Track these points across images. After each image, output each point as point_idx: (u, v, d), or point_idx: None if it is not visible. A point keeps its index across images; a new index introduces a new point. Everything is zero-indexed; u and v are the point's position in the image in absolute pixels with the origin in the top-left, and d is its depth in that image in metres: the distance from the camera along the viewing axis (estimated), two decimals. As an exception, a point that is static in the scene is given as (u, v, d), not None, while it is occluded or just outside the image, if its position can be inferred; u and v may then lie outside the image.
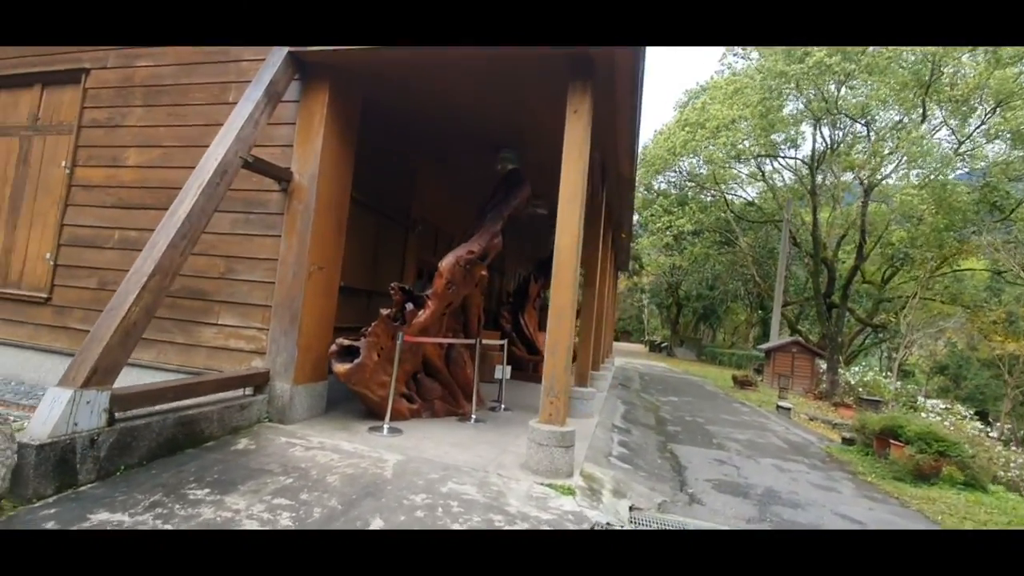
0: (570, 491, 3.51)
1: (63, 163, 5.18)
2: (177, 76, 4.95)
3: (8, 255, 5.32)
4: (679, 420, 8.15)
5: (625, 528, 3.24)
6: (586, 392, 6.22)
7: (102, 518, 2.56)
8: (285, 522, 2.66)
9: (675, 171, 22.61)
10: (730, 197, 24.89)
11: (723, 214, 23.13)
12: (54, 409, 2.82)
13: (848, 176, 19.90)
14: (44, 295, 5.08)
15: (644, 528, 3.46)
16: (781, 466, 5.82)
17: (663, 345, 30.39)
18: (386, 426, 4.42)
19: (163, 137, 4.92)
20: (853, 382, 15.52)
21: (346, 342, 4.29)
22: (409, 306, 4.60)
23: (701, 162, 22.26)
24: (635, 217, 28.27)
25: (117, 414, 3.14)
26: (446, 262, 4.69)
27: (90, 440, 2.93)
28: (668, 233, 21.69)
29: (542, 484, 3.55)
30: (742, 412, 9.79)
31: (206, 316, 4.62)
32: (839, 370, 16.61)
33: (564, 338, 3.81)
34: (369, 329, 4.48)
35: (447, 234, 8.11)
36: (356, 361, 4.25)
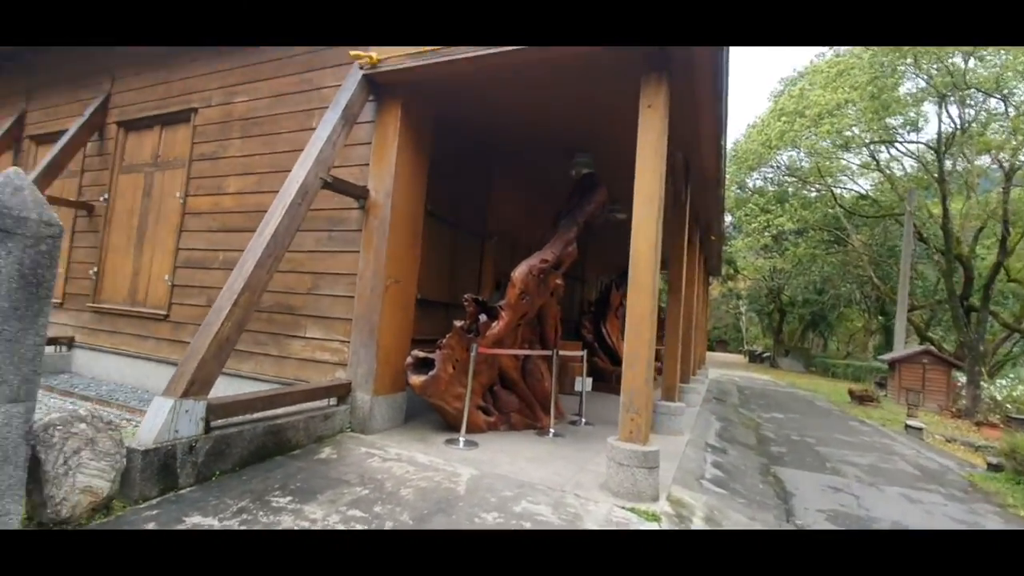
0: (654, 517, 3.20)
1: (177, 194, 5.79)
2: (269, 107, 5.35)
3: (136, 277, 6.03)
4: (784, 439, 7.35)
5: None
6: (674, 407, 5.78)
7: (195, 521, 2.70)
8: (356, 536, 2.65)
9: (772, 166, 20.83)
10: (838, 191, 22.53)
11: (831, 210, 20.91)
12: (158, 417, 3.06)
13: (984, 160, 17.20)
14: (163, 312, 5.67)
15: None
16: (911, 496, 4.98)
17: (764, 355, 28.05)
18: (462, 439, 4.37)
19: (257, 165, 5.32)
20: (1000, 397, 13.18)
21: (421, 354, 4.32)
22: (483, 318, 4.54)
23: (802, 154, 20.36)
24: (727, 218, 26.58)
25: (212, 422, 3.36)
26: (518, 272, 4.59)
27: (189, 446, 3.14)
28: (766, 233, 19.95)
29: (623, 508, 3.28)
30: (861, 432, 8.65)
31: (295, 330, 4.88)
32: (982, 383, 14.22)
33: (644, 349, 3.52)
34: (444, 341, 4.47)
35: (525, 244, 8.03)
36: (431, 373, 4.24)
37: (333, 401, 4.43)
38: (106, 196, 6.44)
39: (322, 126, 4.22)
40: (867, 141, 18.31)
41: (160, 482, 2.98)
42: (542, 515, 3.07)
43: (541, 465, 4.02)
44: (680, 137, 5.26)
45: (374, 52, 4.42)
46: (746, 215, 20.80)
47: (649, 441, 3.58)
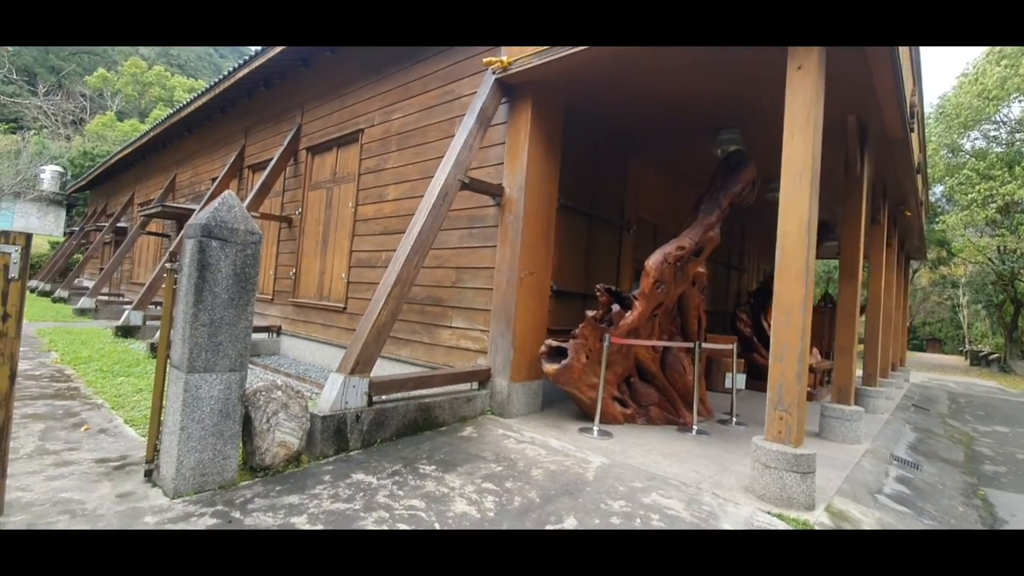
0: (807, 527, 2.85)
1: (350, 204, 6.75)
2: (418, 121, 5.94)
3: (323, 276, 7.18)
4: (1006, 458, 5.88)
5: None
6: (848, 411, 5.02)
7: (359, 477, 3.16)
8: (488, 505, 2.85)
9: (997, 122, 16.38)
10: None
11: None
12: (332, 390, 3.64)
13: None
14: (342, 305, 6.67)
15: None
16: None
17: (992, 357, 22.49)
18: (596, 428, 4.37)
19: (410, 173, 5.95)
20: None
21: (554, 343, 4.42)
22: (616, 308, 4.48)
23: None
24: (938, 189, 21.75)
25: (374, 397, 3.88)
26: (652, 260, 4.42)
27: (356, 416, 3.67)
28: (990, 205, 15.76)
29: (768, 513, 2.98)
30: None
31: (443, 320, 5.36)
32: None
33: (793, 341, 3.15)
34: (577, 331, 4.52)
35: (666, 232, 7.65)
36: (563, 362, 4.32)
37: (475, 385, 4.77)
38: (300, 210, 7.79)
39: (460, 131, 4.56)
40: None
41: (334, 444, 3.55)
42: (672, 509, 2.95)
43: (678, 461, 3.84)
44: (849, 97, 4.56)
45: (505, 56, 4.63)
46: (960, 184, 16.73)
47: (803, 443, 3.19)
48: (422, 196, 5.71)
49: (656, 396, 4.99)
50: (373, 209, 6.43)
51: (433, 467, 3.38)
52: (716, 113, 5.48)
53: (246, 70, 7.95)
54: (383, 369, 5.65)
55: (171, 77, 45.85)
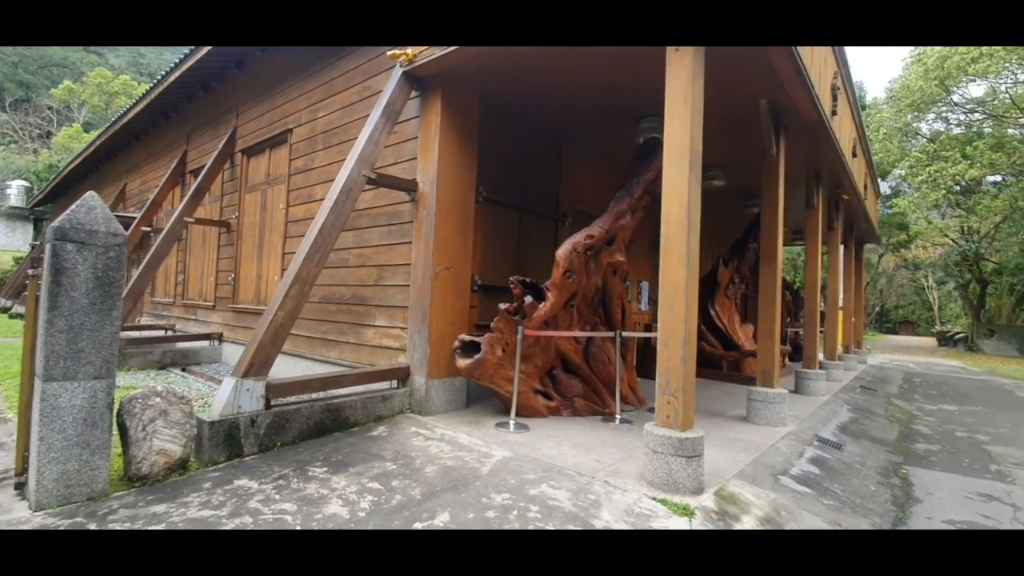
0: (687, 512, 2.83)
1: (281, 205, 6.63)
2: (341, 118, 5.84)
3: (260, 280, 7.04)
4: (943, 436, 5.95)
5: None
6: (771, 394, 5.03)
7: (241, 483, 3.07)
8: (364, 505, 2.79)
9: (948, 104, 16.59)
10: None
11: None
12: (223, 394, 3.55)
13: None
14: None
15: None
16: (1118, 514, 3.68)
17: (958, 337, 22.93)
18: (512, 422, 4.32)
19: (335, 172, 5.80)
20: None
21: (467, 338, 4.36)
22: (528, 299, 4.43)
23: (1007, 83, 15.80)
24: (898, 172, 22.07)
25: (272, 400, 3.79)
26: (562, 250, 4.38)
27: (251, 420, 3.58)
28: (938, 186, 16.00)
29: (653, 499, 2.96)
30: (1074, 429, 6.64)
31: (367, 319, 5.28)
32: None
33: (678, 325, 3.12)
34: (492, 324, 4.47)
35: (608, 224, 7.65)
36: (476, 356, 4.27)
37: (395, 383, 4.70)
38: (237, 214, 7.64)
39: (366, 126, 4.48)
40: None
41: (226, 449, 3.45)
42: (556, 500, 2.91)
43: (586, 451, 3.81)
44: (756, 81, 4.56)
45: (411, 49, 4.56)
46: (911, 166, 16.99)
47: (692, 427, 3.18)
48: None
49: (581, 387, 4.96)
50: (303, 210, 6.32)
51: (325, 469, 3.31)
52: (640, 102, 5.45)
53: (177, 73, 7.78)
54: (312, 372, 5.55)
55: (137, 86, 44.95)
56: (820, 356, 9.95)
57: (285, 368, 6.28)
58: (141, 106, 9.31)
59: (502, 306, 4.41)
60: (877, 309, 47.03)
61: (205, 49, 6.98)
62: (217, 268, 8.05)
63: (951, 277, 27.40)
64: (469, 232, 4.99)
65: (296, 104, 6.58)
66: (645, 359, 6.90)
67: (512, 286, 4.51)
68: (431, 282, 4.59)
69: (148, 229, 9.28)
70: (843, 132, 6.93)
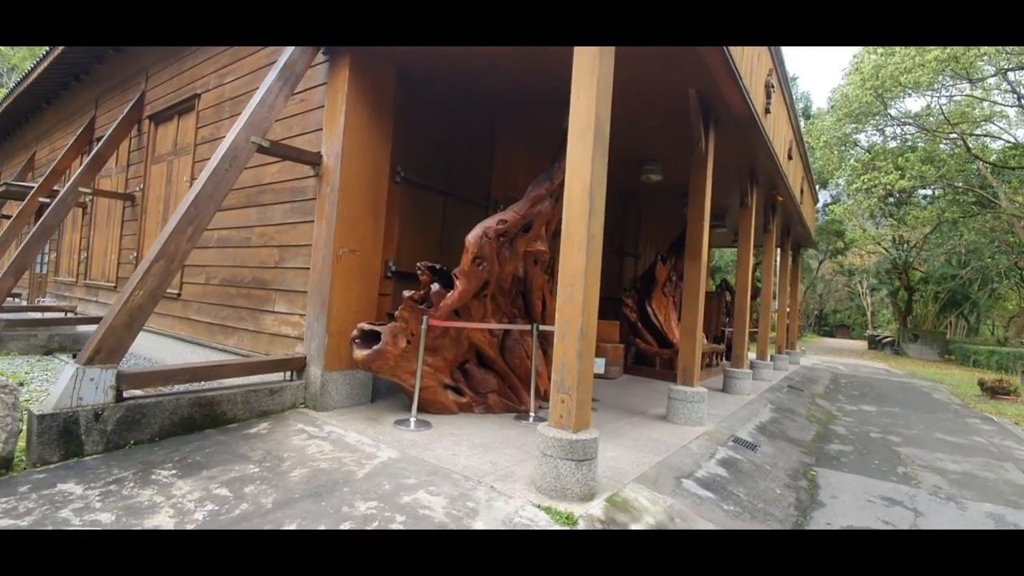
0: (570, 520, 2.59)
1: (185, 178, 6.04)
2: (249, 84, 5.33)
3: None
4: (858, 437, 6.03)
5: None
6: (690, 393, 4.91)
7: (65, 487, 2.62)
8: (200, 516, 2.40)
9: (886, 116, 17.26)
10: (986, 142, 18.33)
11: (971, 164, 16.99)
12: (60, 384, 3.06)
13: None
14: (176, 292, 5.97)
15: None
16: (1003, 517, 3.71)
17: (886, 341, 24.18)
18: (413, 419, 4.00)
19: (239, 141, 5.33)
20: None
21: (367, 326, 4.00)
22: (436, 287, 4.11)
23: (941, 100, 16.58)
24: (841, 181, 22.93)
25: (126, 392, 3.32)
26: (472, 235, 4.08)
27: (95, 414, 3.11)
28: (871, 195, 16.67)
29: (539, 507, 2.70)
30: (977, 431, 6.89)
31: (267, 304, 4.83)
32: None
33: (575, 316, 2.87)
34: (396, 313, 4.12)
35: (545, 215, 7.41)
36: (375, 348, 3.91)
37: (290, 375, 4.29)
38: (142, 186, 6.95)
39: (259, 89, 4.03)
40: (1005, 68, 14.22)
41: (62, 447, 2.97)
42: (429, 508, 2.61)
43: (484, 452, 3.53)
44: (684, 68, 4.37)
45: (316, 6, 4.12)
46: (846, 175, 17.66)
47: (587, 427, 2.94)
48: (255, 168, 5.16)
49: (495, 382, 4.69)
50: (207, 183, 5.75)
51: (174, 472, 2.89)
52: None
53: None
54: (209, 360, 5.05)
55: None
56: (752, 356, 10.10)
57: (182, 356, 5.74)
58: (45, 64, 8.38)
59: (406, 293, 4.07)
60: (816, 313, 49.29)
61: None
62: (120, 246, 7.32)
63: (883, 284, 28.87)
64: (381, 213, 4.61)
65: (205, 68, 5.99)
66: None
67: (419, 272, 4.17)
68: (332, 265, 4.19)
69: (47, 200, 8.38)
70: (778, 132, 6.93)
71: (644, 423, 4.87)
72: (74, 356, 6.56)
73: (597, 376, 6.02)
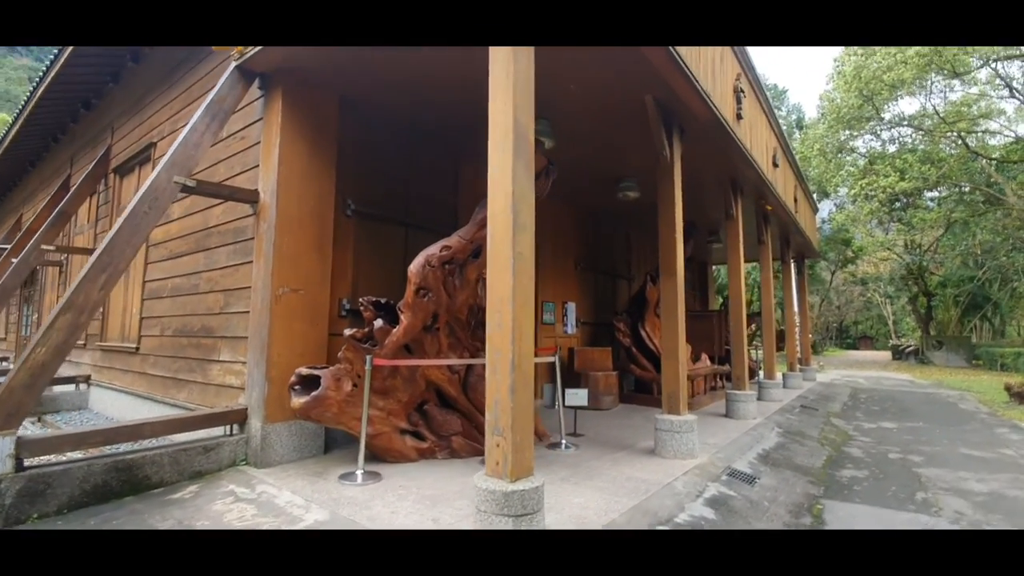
0: (503, 593, 2.15)
1: (141, 227, 5.87)
2: (196, 126, 5.18)
3: (125, 313, 6.20)
4: (875, 460, 5.45)
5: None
6: (678, 422, 4.45)
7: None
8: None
9: (880, 119, 16.89)
10: (986, 139, 17.85)
11: (974, 163, 16.47)
12: (-55, 458, 2.75)
13: None
14: (135, 345, 5.71)
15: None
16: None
17: (909, 350, 23.14)
18: (360, 472, 3.60)
19: (188, 185, 5.16)
20: None
21: (306, 371, 3.66)
22: (379, 322, 3.78)
23: (934, 101, 16.24)
24: (842, 191, 22.44)
25: (28, 460, 3.00)
26: (414, 264, 3.77)
27: (-13, 489, 2.79)
28: (871, 199, 16.12)
29: None
30: (1006, 443, 6.25)
31: (213, 354, 4.53)
32: None
33: (504, 346, 2.51)
34: (340, 355, 3.79)
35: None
36: (313, 394, 3.56)
37: (231, 430, 3.94)
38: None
39: (185, 127, 3.84)
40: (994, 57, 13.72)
41: (-57, 530, 2.64)
42: (337, 585, 2.19)
43: (430, 506, 3.12)
44: (636, 73, 4.12)
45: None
46: (843, 181, 17.20)
47: (529, 474, 2.54)
48: (203, 211, 4.96)
49: (460, 424, 4.29)
50: (162, 231, 5.58)
51: (61, 552, 2.52)
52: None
53: (47, 80, 6.97)
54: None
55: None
56: (760, 375, 9.53)
57: (139, 413, 5.43)
58: (17, 126, 8.46)
59: (347, 332, 3.75)
60: (836, 325, 47.92)
61: (68, 50, 6.27)
62: (87, 301, 7.14)
63: (900, 291, 27.96)
64: (327, 248, 4.34)
65: (160, 116, 5.91)
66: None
67: (362, 308, 3.85)
68: (270, 306, 3.89)
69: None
70: (757, 139, 6.64)
71: (628, 459, 4.40)
72: (39, 419, 6.30)
73: (582, 408, 5.56)
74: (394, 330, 3.75)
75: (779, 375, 10.95)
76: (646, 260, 11.06)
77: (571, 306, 8.41)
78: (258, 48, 3.84)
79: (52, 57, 6.69)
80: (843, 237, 20.05)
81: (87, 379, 6.77)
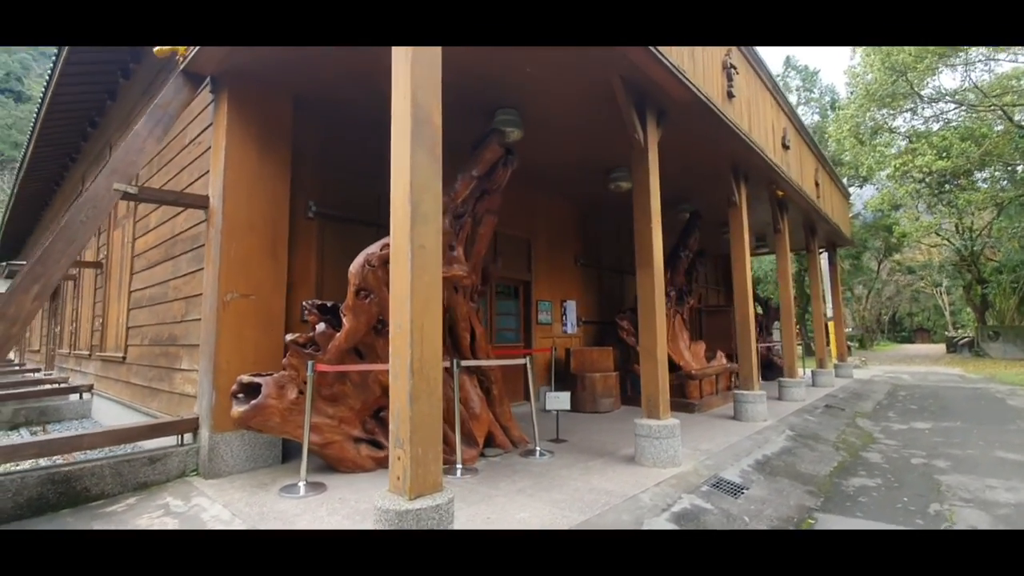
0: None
1: (128, 239, 5.95)
2: (168, 137, 5.18)
3: (118, 323, 6.31)
4: (893, 466, 4.91)
5: None
6: (658, 427, 4.10)
7: None
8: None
9: (920, 96, 15.57)
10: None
11: (1023, 140, 14.96)
12: None
13: None
14: (122, 355, 5.78)
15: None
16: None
17: (962, 342, 21.43)
18: (303, 483, 3.44)
19: (160, 194, 5.17)
20: None
21: (247, 378, 3.53)
22: (321, 327, 3.61)
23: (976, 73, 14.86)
24: (883, 173, 20.94)
25: (-44, 476, 2.98)
26: (353, 265, 3.59)
27: (-91, 506, 2.77)
28: (907, 179, 14.82)
29: (358, 604, 2.05)
30: (1061, 445, 5.55)
31: (176, 362, 4.49)
32: None
33: (403, 349, 2.28)
34: (285, 361, 3.64)
35: (501, 238, 6.87)
36: (252, 402, 3.43)
37: (183, 440, 3.87)
38: (106, 253, 6.99)
39: (128, 133, 3.79)
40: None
41: None
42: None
43: (359, 523, 2.92)
44: (594, 50, 3.81)
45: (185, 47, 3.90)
46: (877, 161, 15.94)
47: (435, 489, 2.30)
48: (171, 219, 4.95)
49: (419, 431, 4.07)
50: (143, 241, 5.64)
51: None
52: (495, 90, 4.70)
53: (49, 92, 7.21)
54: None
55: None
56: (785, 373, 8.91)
57: (123, 422, 5.47)
58: (31, 144, 8.84)
59: (288, 337, 3.60)
60: (888, 317, 45.23)
61: (59, 68, 6.44)
62: (93, 313, 7.36)
63: (953, 280, 26.06)
64: (281, 253, 4.22)
65: (142, 127, 5.98)
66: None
67: (306, 312, 3.70)
68: (218, 313, 3.80)
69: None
70: (758, 119, 6.16)
71: (602, 468, 4.08)
72: (42, 428, 6.50)
73: (564, 411, 5.27)
74: (336, 334, 3.58)
75: (806, 372, 10.25)
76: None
77: (570, 304, 8.08)
78: (196, 48, 3.75)
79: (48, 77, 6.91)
80: (885, 223, 18.72)
81: (90, 388, 6.94)
